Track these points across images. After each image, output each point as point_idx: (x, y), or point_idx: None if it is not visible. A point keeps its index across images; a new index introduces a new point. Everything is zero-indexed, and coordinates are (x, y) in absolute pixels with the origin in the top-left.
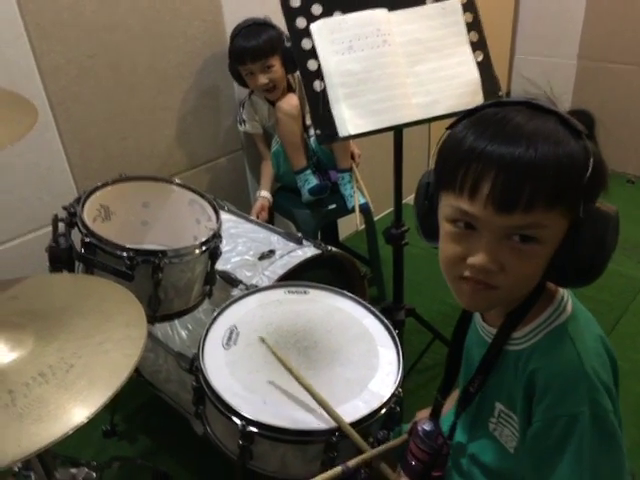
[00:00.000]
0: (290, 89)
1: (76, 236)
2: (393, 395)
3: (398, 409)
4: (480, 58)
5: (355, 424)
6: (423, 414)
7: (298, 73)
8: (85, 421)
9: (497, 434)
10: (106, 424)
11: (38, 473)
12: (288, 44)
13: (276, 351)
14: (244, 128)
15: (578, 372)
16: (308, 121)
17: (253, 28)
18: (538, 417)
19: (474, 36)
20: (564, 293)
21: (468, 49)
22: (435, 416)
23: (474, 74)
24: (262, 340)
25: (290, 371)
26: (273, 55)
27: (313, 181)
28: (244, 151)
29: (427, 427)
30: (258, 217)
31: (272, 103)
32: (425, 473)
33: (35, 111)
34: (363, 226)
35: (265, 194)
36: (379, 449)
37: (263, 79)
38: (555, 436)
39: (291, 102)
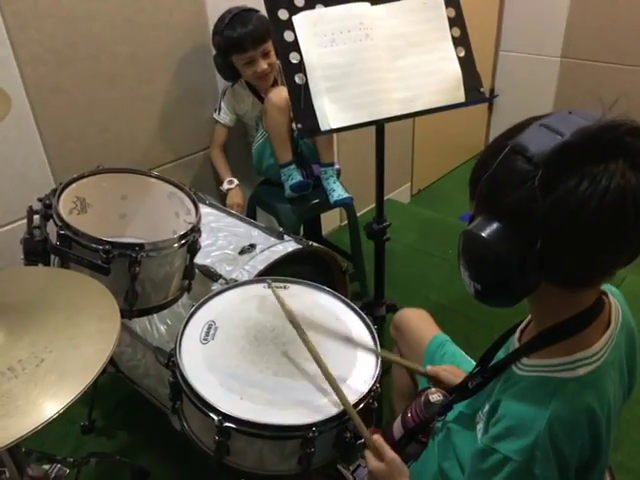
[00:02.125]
0: (275, 80)
1: (52, 228)
2: (371, 390)
3: (376, 405)
4: (462, 54)
5: (332, 419)
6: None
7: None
8: (55, 416)
9: (479, 427)
10: (84, 420)
11: (10, 469)
12: None
13: (279, 295)
14: (217, 116)
15: (535, 425)
16: None
17: (244, 14)
18: (484, 440)
19: (456, 32)
20: (592, 358)
21: (450, 44)
22: (452, 392)
23: (456, 70)
24: (269, 285)
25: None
26: (268, 39)
27: (296, 177)
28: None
29: (432, 399)
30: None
31: (257, 95)
32: (412, 434)
33: (8, 100)
34: (346, 221)
35: (236, 181)
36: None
37: (264, 64)
38: (488, 464)
39: (281, 94)
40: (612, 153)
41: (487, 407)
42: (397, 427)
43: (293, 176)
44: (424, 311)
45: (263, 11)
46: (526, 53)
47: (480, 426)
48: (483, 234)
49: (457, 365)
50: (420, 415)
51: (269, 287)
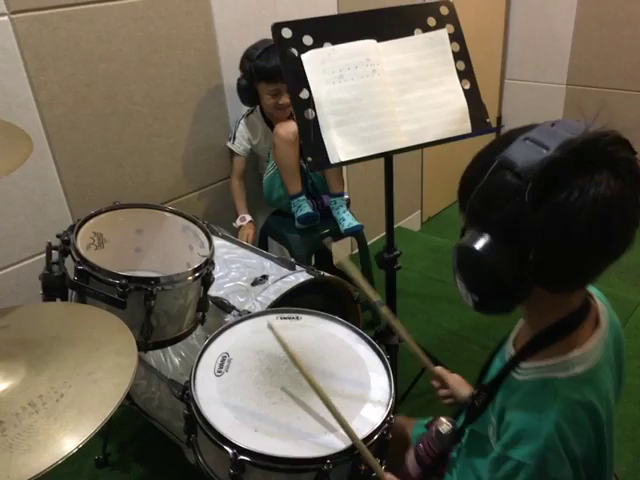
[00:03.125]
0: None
1: (70, 264)
2: (385, 422)
3: (390, 436)
4: (467, 86)
5: (347, 451)
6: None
7: None
8: (74, 451)
9: (493, 441)
10: (98, 453)
11: None
12: None
13: (282, 339)
14: (231, 145)
15: (542, 428)
16: None
17: (272, 50)
18: (496, 448)
19: (461, 65)
20: (586, 355)
21: (455, 78)
22: (456, 417)
23: (462, 102)
24: (270, 328)
25: (305, 375)
26: None
27: (305, 208)
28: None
29: (442, 430)
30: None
31: (270, 126)
32: (431, 470)
33: (30, 142)
34: (357, 250)
35: (250, 217)
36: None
37: (286, 98)
38: (503, 472)
39: (288, 129)
40: (597, 164)
41: (494, 419)
42: (411, 463)
43: (302, 207)
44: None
45: None
46: (532, 81)
47: (493, 441)
48: (476, 247)
49: None
50: (435, 449)
51: (271, 330)
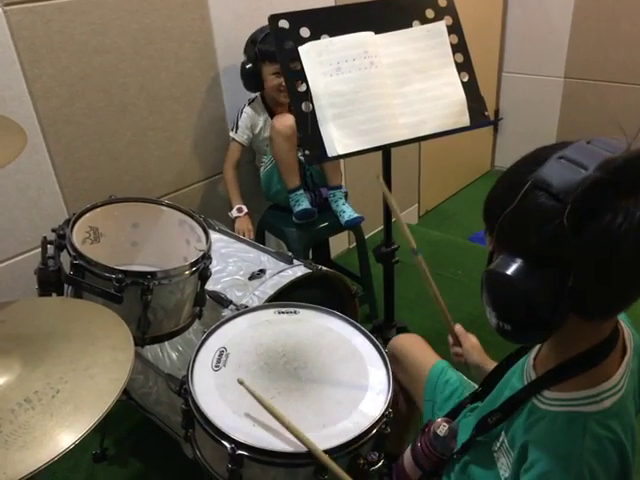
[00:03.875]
0: None
1: (65, 258)
2: (383, 415)
3: (389, 430)
4: (466, 79)
5: (345, 445)
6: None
7: None
8: (71, 447)
9: (496, 456)
10: (96, 448)
11: None
12: None
13: (254, 391)
14: (234, 134)
15: (573, 466)
16: None
17: None
18: None
19: (459, 57)
20: (614, 388)
21: (454, 70)
22: (454, 415)
23: (460, 94)
24: (240, 383)
25: (269, 410)
26: None
27: (303, 203)
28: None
29: (440, 432)
30: (244, 235)
31: (271, 115)
32: (431, 472)
33: (24, 135)
34: (354, 244)
35: (245, 209)
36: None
37: None
38: None
39: (285, 122)
40: None
41: (506, 440)
42: (409, 464)
43: (300, 201)
44: (418, 337)
45: None
46: (529, 74)
47: (503, 461)
48: (508, 272)
49: (461, 391)
50: (434, 452)
51: (243, 385)
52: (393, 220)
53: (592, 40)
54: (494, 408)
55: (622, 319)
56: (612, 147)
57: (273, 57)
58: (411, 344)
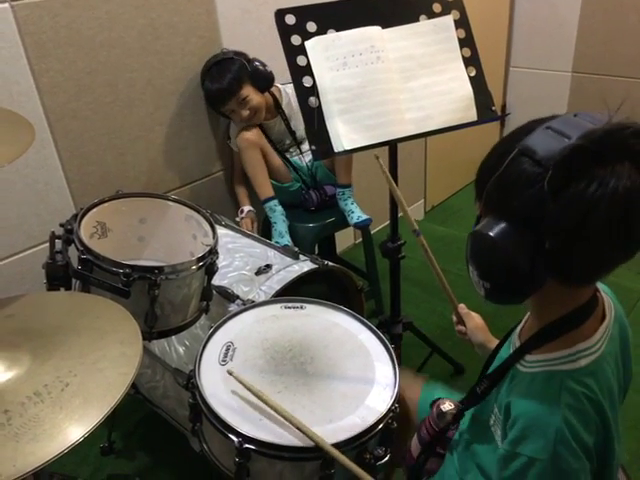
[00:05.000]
0: (277, 103)
1: (73, 253)
2: (390, 410)
3: (395, 425)
4: (473, 73)
5: (352, 440)
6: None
7: (280, 85)
8: (80, 440)
9: (493, 430)
10: (104, 441)
11: None
12: (256, 64)
13: (244, 382)
14: (231, 144)
15: (551, 421)
16: (288, 140)
17: (218, 67)
18: (504, 445)
19: (466, 52)
20: (591, 348)
21: (461, 65)
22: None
23: (467, 89)
24: (230, 373)
25: (262, 399)
26: (242, 87)
27: (280, 226)
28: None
29: (444, 408)
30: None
31: (260, 125)
32: (429, 447)
33: (32, 130)
34: (360, 239)
35: (249, 208)
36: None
37: (244, 112)
38: (513, 469)
39: (249, 133)
40: (619, 155)
41: (497, 409)
42: (415, 446)
43: (276, 217)
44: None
45: (276, 36)
46: (537, 69)
47: (499, 433)
48: (491, 234)
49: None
50: (435, 426)
51: (233, 375)
52: (399, 215)
53: (600, 34)
54: (482, 377)
55: (603, 289)
56: (596, 120)
57: (215, 102)
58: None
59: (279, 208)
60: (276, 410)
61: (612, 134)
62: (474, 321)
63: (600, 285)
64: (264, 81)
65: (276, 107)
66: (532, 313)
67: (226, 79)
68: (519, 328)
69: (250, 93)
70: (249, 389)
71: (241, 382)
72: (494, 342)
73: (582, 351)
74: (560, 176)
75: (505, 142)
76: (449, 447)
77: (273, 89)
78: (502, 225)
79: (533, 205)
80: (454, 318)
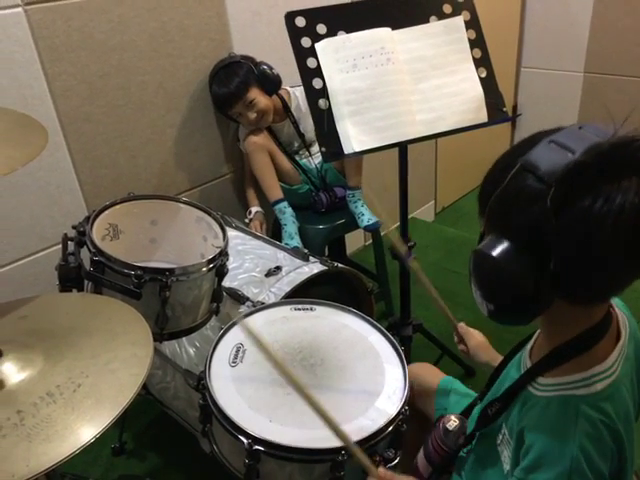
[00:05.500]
0: (285, 106)
1: (85, 255)
2: (400, 413)
3: (405, 427)
4: (484, 74)
5: (361, 442)
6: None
7: (290, 88)
8: (92, 441)
9: (500, 450)
10: (115, 442)
11: None
12: (263, 67)
13: (282, 366)
14: (241, 146)
15: (566, 450)
16: (297, 142)
17: (225, 71)
18: (517, 472)
19: (477, 53)
20: (607, 372)
21: (471, 66)
22: (466, 414)
23: (478, 90)
24: (238, 323)
25: (296, 385)
26: (249, 90)
27: (291, 228)
28: None
29: (450, 426)
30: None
31: (268, 127)
32: (441, 467)
33: (45, 133)
34: (370, 241)
35: (257, 209)
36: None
37: (252, 115)
38: None
39: (256, 137)
40: (625, 170)
41: (506, 430)
42: (422, 462)
43: (285, 219)
44: (426, 363)
45: (286, 39)
46: (548, 69)
47: (505, 454)
48: (493, 254)
49: (468, 398)
50: (443, 446)
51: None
52: (409, 217)
53: (613, 34)
54: (493, 399)
55: (617, 305)
56: (602, 133)
57: (222, 106)
58: (418, 368)
59: (289, 210)
60: (290, 379)
61: (618, 148)
62: (475, 339)
63: (614, 300)
64: (271, 84)
65: (285, 110)
66: (542, 332)
67: (233, 82)
68: (529, 346)
69: (257, 96)
70: (264, 349)
71: (253, 336)
72: (498, 359)
73: (597, 374)
74: (563, 193)
75: (508, 155)
76: (456, 466)
77: (282, 92)
78: (504, 244)
79: (536, 224)
80: (455, 338)
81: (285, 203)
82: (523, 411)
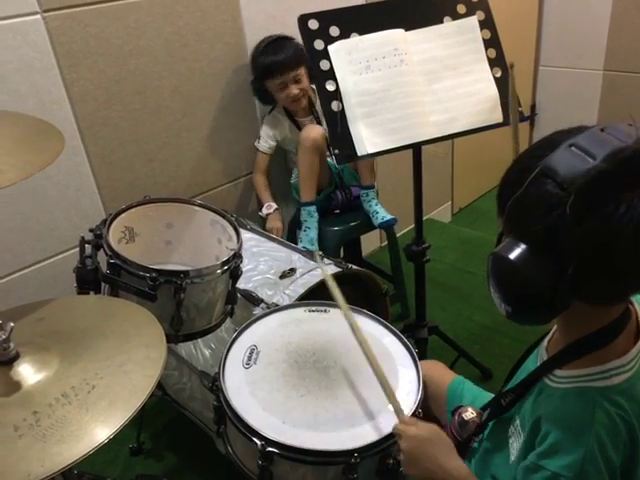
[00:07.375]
0: (310, 102)
1: (102, 257)
2: (413, 415)
3: None
4: (498, 74)
5: (374, 445)
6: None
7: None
8: (105, 442)
9: (511, 441)
10: (133, 442)
11: None
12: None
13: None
14: (257, 144)
15: (583, 439)
16: None
17: (278, 42)
18: (531, 457)
19: (492, 53)
20: (625, 366)
21: (486, 66)
22: (486, 409)
23: (493, 90)
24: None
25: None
26: (300, 66)
27: (311, 231)
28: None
29: (466, 417)
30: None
31: (294, 121)
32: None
33: (62, 139)
34: (386, 242)
35: (276, 205)
36: None
37: (295, 89)
38: None
39: (313, 135)
40: None
41: (518, 422)
42: None
43: (310, 222)
44: (437, 361)
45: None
46: (567, 67)
47: (515, 445)
48: (512, 257)
49: (481, 399)
50: (457, 435)
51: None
52: (426, 218)
53: (633, 31)
54: (507, 389)
55: (637, 300)
56: (626, 136)
57: (270, 72)
58: (428, 368)
59: (316, 215)
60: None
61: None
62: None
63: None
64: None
65: (309, 107)
66: (559, 328)
67: (288, 53)
68: (547, 340)
69: (304, 75)
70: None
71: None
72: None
73: (616, 368)
74: (583, 201)
75: (527, 157)
76: (468, 454)
77: (309, 88)
78: (523, 248)
79: (555, 229)
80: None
81: (314, 207)
82: (538, 401)
